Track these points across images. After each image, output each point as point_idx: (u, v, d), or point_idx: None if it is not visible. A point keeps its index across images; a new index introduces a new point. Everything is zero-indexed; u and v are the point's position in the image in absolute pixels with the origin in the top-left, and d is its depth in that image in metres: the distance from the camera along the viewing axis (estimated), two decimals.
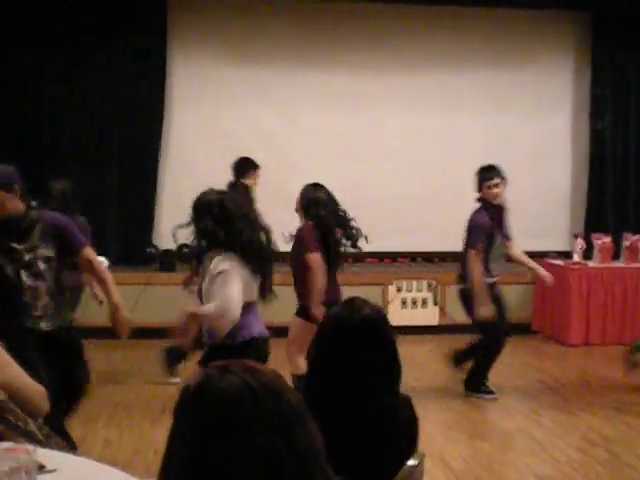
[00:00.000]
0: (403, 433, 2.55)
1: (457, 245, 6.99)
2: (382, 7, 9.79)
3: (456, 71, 10.02)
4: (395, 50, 9.90)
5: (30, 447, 2.38)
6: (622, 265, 9.10)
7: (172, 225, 9.63)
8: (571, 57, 10.36)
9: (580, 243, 9.18)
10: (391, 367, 2.58)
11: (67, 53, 9.27)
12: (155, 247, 9.48)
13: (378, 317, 2.59)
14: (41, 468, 2.55)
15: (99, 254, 6.97)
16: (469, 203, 7.02)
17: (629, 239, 9.18)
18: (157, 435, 5.75)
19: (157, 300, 8.20)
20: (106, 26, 9.27)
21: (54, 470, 2.60)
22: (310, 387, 2.52)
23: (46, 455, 2.70)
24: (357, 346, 2.50)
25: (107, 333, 7.28)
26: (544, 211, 10.06)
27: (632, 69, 10.23)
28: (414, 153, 10.01)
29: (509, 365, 7.63)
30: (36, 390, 3.05)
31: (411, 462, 2.35)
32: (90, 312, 7.25)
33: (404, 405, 2.62)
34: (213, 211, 4.20)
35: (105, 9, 9.26)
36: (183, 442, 1.64)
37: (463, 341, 7.16)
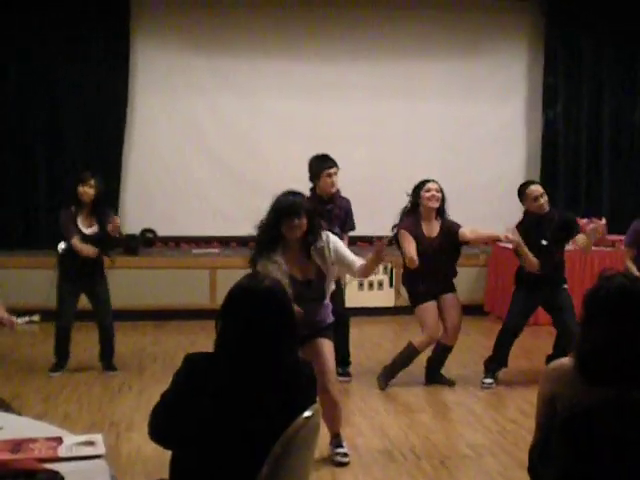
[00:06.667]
0: (304, 389, 2.90)
1: None
2: None
3: (415, 60, 10.34)
4: (356, 39, 10.19)
5: None
6: (570, 248, 9.42)
7: (136, 210, 9.94)
8: (525, 46, 10.68)
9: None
10: (290, 330, 2.92)
11: (30, 40, 9.52)
12: (119, 232, 9.73)
13: (278, 288, 2.95)
14: None
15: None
16: None
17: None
18: (114, 410, 6.09)
19: (120, 283, 8.43)
20: (70, 13, 9.51)
21: (0, 428, 2.91)
22: (220, 347, 2.88)
23: None
24: (261, 311, 2.85)
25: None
26: (498, 196, 10.35)
27: (584, 58, 10.56)
28: (377, 140, 10.30)
29: (458, 344, 7.93)
30: None
31: (306, 414, 2.69)
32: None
33: (305, 366, 2.96)
34: None
35: None
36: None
37: (414, 322, 7.49)
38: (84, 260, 6.95)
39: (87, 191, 6.92)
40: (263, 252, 4.87)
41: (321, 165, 6.73)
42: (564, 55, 10.54)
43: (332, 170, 6.71)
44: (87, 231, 7.01)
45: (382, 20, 10.23)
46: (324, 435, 5.03)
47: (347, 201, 7.04)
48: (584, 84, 10.61)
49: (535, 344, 8.29)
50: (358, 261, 4.97)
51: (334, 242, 4.96)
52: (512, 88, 10.67)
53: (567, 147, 10.61)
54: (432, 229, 6.72)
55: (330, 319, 5.12)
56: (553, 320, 7.05)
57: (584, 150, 10.66)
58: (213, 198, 10.05)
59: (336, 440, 5.20)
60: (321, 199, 6.74)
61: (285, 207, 4.79)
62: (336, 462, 5.08)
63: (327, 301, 5.08)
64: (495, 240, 6.95)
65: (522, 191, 6.88)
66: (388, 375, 6.89)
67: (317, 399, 4.89)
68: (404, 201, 6.95)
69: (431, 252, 6.62)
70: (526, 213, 6.93)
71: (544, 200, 6.76)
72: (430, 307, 6.74)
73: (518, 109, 10.73)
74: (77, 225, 6.99)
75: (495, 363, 7.01)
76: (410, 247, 6.57)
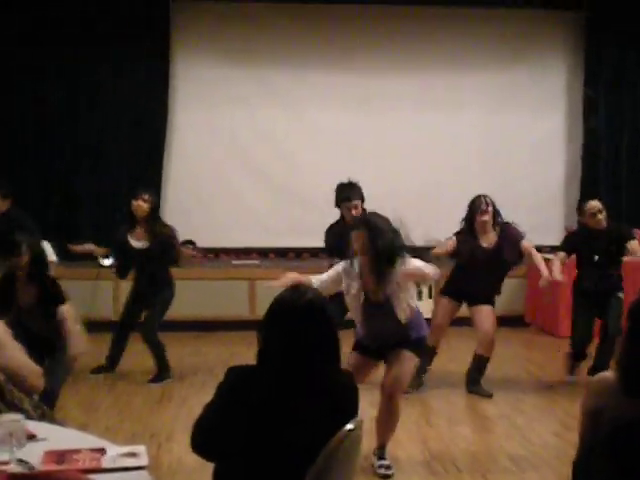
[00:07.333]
0: (346, 401, 2.90)
1: None
2: (385, 9, 10.10)
3: (455, 72, 10.30)
4: (397, 51, 10.20)
5: (19, 417, 2.72)
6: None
7: (176, 221, 9.98)
8: (565, 57, 10.62)
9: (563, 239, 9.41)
10: (332, 343, 2.92)
11: (72, 56, 9.60)
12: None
13: (320, 301, 2.95)
14: (32, 437, 2.89)
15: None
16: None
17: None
18: (154, 421, 6.11)
19: None
20: (110, 30, 9.61)
21: (44, 439, 2.94)
22: (263, 360, 2.90)
23: (39, 427, 3.05)
24: (303, 324, 2.86)
25: (113, 327, 7.72)
26: (539, 207, 10.31)
27: (624, 68, 10.48)
28: (418, 152, 10.28)
29: (500, 356, 7.89)
30: (32, 370, 3.38)
31: (348, 426, 2.68)
32: (96, 307, 7.62)
33: (346, 379, 2.95)
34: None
35: (109, 13, 9.61)
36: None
37: (456, 333, 7.49)
38: (142, 273, 7.17)
39: (140, 205, 7.09)
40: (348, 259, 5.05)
41: (341, 196, 6.84)
42: (604, 65, 10.46)
43: (351, 204, 6.79)
44: (136, 244, 7.16)
45: (423, 32, 10.23)
46: (364, 446, 5.02)
47: None
48: (625, 94, 10.52)
49: None
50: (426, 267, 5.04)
51: (406, 265, 4.93)
52: (552, 99, 10.60)
53: (608, 158, 10.52)
54: (489, 240, 6.88)
55: (415, 335, 5.09)
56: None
57: (625, 161, 10.57)
58: (253, 209, 10.09)
59: (380, 452, 5.20)
60: (347, 226, 6.82)
61: (355, 220, 5.10)
62: (380, 475, 5.07)
63: (411, 322, 5.04)
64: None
65: (581, 206, 7.13)
66: (414, 378, 6.94)
67: (380, 407, 5.07)
68: (447, 210, 7.06)
69: (482, 262, 6.79)
70: (582, 225, 7.11)
71: (602, 216, 6.90)
72: (445, 303, 7.02)
73: (559, 120, 10.66)
74: (127, 239, 7.16)
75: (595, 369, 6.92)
76: (437, 251, 6.78)
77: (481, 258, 6.80)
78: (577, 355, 7.24)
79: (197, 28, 10.04)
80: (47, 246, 6.78)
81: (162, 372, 7.30)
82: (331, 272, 5.09)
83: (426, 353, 7.01)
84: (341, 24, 10.15)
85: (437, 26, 10.26)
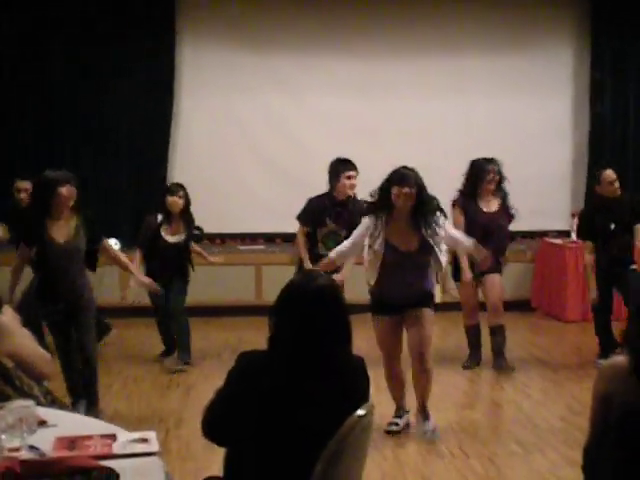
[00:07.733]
0: (357, 385, 2.91)
1: None
2: None
3: (461, 57, 10.22)
4: (404, 36, 10.13)
5: (30, 403, 2.73)
6: None
7: None
8: (572, 42, 10.54)
9: (577, 222, 9.42)
10: (343, 327, 2.93)
11: (76, 40, 9.54)
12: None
13: (331, 285, 2.98)
14: (43, 423, 2.90)
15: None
16: None
17: None
18: (163, 406, 6.15)
19: None
20: (115, 13, 9.54)
21: (55, 425, 2.95)
22: (274, 345, 2.91)
23: (49, 413, 3.06)
24: (314, 309, 2.87)
25: (120, 312, 7.74)
26: (545, 191, 10.26)
27: (631, 53, 10.41)
28: (425, 136, 10.24)
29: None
30: (41, 356, 3.39)
31: (359, 412, 2.69)
32: (106, 292, 7.61)
33: (357, 362, 2.96)
34: None
35: (115, 1, 9.56)
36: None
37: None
38: (169, 265, 7.22)
39: (176, 201, 7.25)
40: (373, 212, 5.33)
41: (342, 167, 6.95)
42: (611, 49, 10.39)
43: (352, 173, 6.91)
44: (170, 239, 7.29)
45: (428, 17, 10.15)
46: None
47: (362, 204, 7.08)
48: (632, 79, 10.46)
49: (584, 341, 8.20)
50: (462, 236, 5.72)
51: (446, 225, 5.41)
52: (559, 83, 10.53)
53: (614, 142, 10.47)
54: (490, 205, 7.17)
55: (429, 287, 5.36)
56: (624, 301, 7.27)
57: (631, 146, 10.52)
58: (259, 195, 10.07)
59: (423, 414, 5.50)
60: (334, 201, 6.97)
61: (396, 176, 5.23)
62: (427, 439, 5.38)
63: (430, 275, 5.33)
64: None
65: (597, 175, 7.34)
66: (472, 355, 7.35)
67: (413, 371, 5.38)
68: (451, 194, 7.10)
69: (481, 225, 6.93)
70: (595, 196, 7.37)
71: (617, 185, 7.15)
72: (466, 285, 7.17)
73: (565, 104, 10.60)
74: (159, 233, 7.28)
75: (605, 352, 7.01)
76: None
77: (480, 221, 7.00)
78: (601, 326, 7.28)
79: (203, 12, 9.96)
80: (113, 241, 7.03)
81: (181, 352, 7.33)
82: (357, 231, 5.40)
83: (474, 336, 7.33)
84: (348, 8, 10.06)
85: (443, 11, 10.17)
